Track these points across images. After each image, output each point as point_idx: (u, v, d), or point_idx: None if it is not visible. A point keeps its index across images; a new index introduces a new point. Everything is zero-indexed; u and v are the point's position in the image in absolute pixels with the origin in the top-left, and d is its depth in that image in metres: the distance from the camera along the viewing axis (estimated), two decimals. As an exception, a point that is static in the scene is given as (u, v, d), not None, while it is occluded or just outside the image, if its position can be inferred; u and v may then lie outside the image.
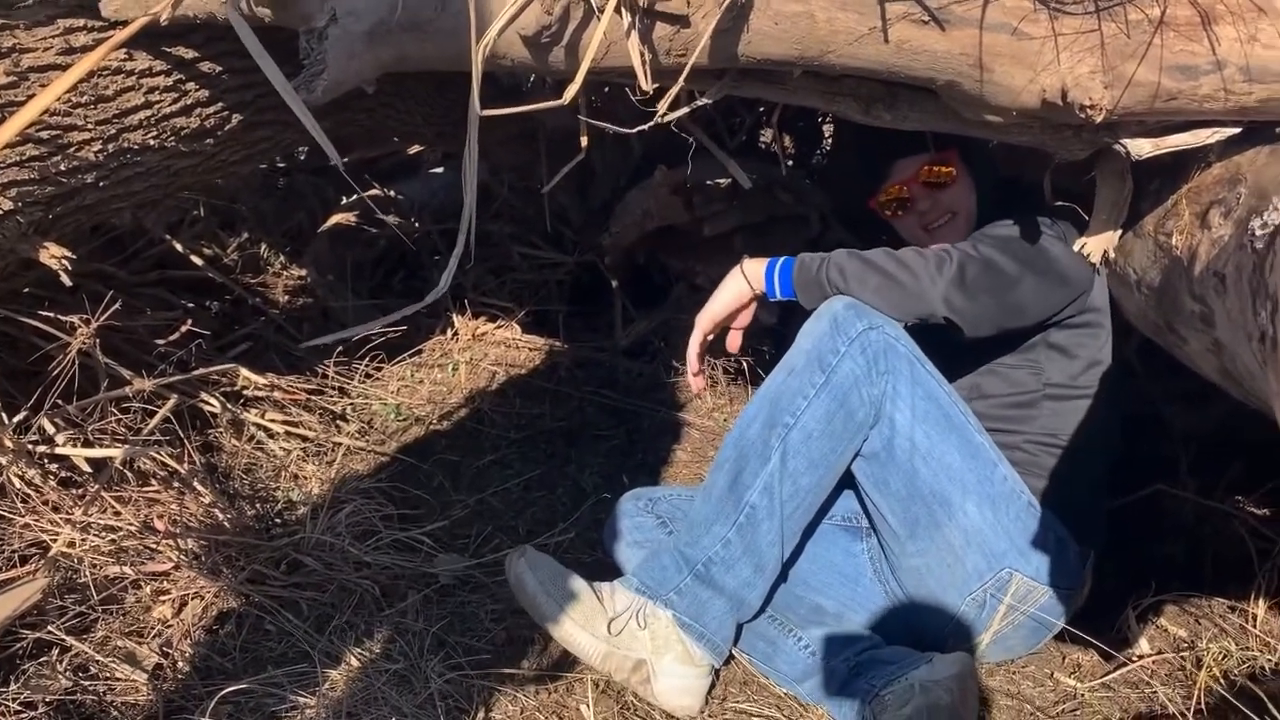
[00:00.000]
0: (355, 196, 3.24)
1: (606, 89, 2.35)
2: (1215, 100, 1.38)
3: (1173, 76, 1.37)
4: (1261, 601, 1.85)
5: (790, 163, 3.25)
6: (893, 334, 1.62)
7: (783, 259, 1.75)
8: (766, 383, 1.68)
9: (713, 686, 1.67)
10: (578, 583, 1.63)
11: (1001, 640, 1.73)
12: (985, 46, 1.36)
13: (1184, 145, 1.49)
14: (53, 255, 1.55)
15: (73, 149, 1.46)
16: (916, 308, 1.64)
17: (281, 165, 3.53)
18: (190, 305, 2.60)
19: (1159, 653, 1.78)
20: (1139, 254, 1.60)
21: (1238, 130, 1.46)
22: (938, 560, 1.68)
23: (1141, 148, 1.51)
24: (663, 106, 1.37)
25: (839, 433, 1.62)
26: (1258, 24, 1.34)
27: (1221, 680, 1.68)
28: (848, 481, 1.73)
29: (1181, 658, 1.76)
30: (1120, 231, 1.66)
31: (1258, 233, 1.14)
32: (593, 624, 1.59)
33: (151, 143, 1.56)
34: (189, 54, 1.53)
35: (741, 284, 1.77)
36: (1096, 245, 1.67)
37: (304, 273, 3.07)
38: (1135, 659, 1.76)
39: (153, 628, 1.63)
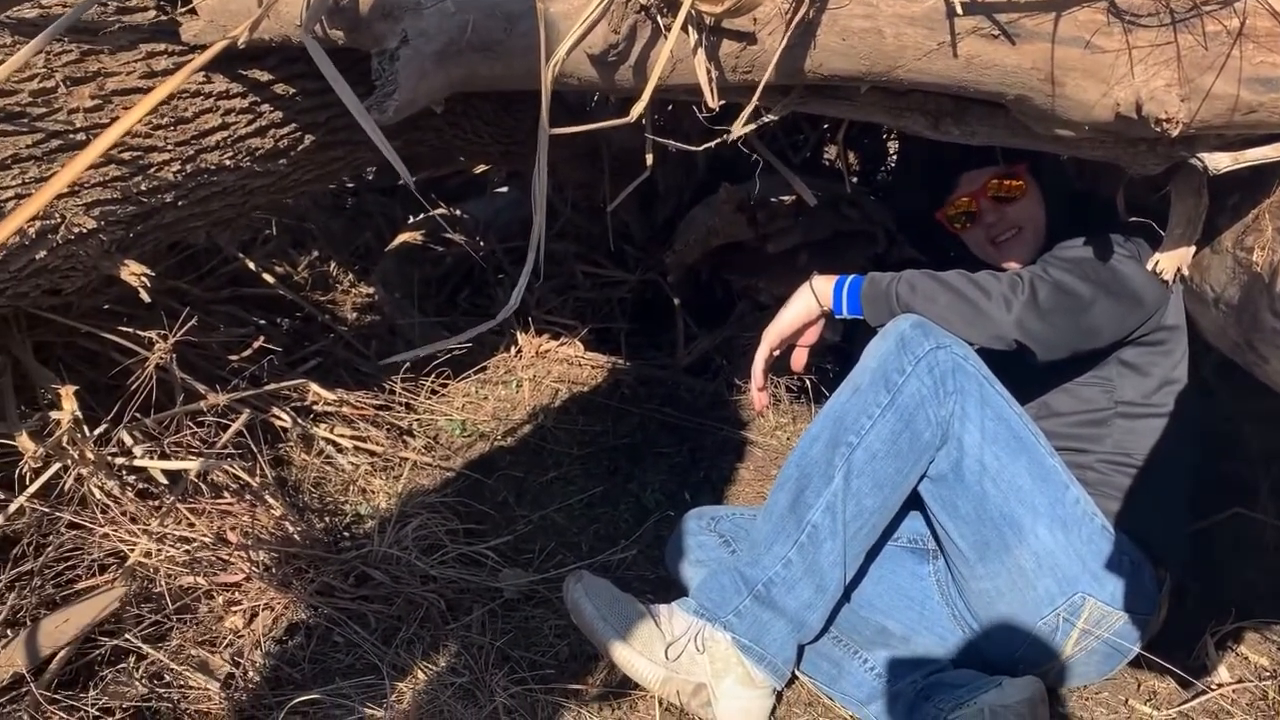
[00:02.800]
0: (422, 215, 3.29)
1: (670, 106, 2.36)
2: (1298, 113, 1.35)
3: (1252, 89, 1.33)
4: (1347, 630, 1.79)
5: (855, 179, 3.23)
6: (960, 353, 1.60)
7: (852, 276, 1.74)
8: (830, 401, 1.67)
9: (775, 708, 1.66)
10: (635, 607, 1.63)
11: (1074, 665, 1.69)
12: (1057, 61, 1.34)
13: (1265, 159, 1.45)
14: (133, 273, 1.60)
15: (153, 169, 1.51)
16: (986, 329, 1.62)
17: (350, 185, 3.59)
18: (262, 322, 2.65)
19: (1239, 681, 1.73)
20: (1216, 270, 1.56)
21: (1322, 143, 1.42)
22: (1008, 584, 1.65)
23: (1219, 162, 1.47)
24: (738, 126, 1.37)
25: (904, 453, 1.60)
26: (1342, 34, 1.30)
27: (1306, 711, 1.63)
28: (914, 503, 1.70)
29: (1263, 686, 1.70)
30: (1195, 248, 1.62)
31: (1344, 248, 1.11)
32: (651, 649, 1.59)
33: (228, 163, 1.60)
34: (264, 76, 1.57)
35: (810, 300, 1.76)
36: (1170, 262, 1.63)
37: (372, 290, 3.12)
38: (1214, 687, 1.71)
39: (225, 637, 1.66)
